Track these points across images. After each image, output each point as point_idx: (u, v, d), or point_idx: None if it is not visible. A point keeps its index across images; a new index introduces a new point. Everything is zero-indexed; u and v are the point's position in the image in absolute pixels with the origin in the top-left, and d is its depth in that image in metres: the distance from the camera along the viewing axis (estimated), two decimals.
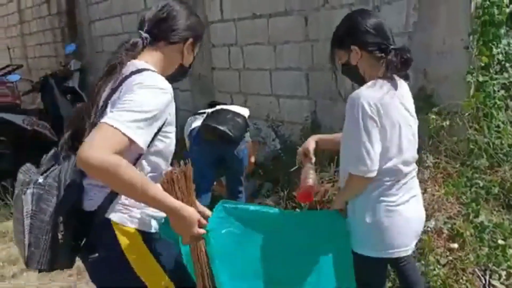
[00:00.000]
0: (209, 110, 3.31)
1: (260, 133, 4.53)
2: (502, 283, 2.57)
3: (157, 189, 1.36)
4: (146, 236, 1.48)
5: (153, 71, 1.46)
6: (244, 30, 4.84)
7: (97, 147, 1.22)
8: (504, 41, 3.44)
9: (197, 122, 3.29)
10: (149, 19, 1.55)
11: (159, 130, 1.41)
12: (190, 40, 1.58)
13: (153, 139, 1.40)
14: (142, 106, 1.31)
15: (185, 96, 5.96)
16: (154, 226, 1.53)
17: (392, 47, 1.71)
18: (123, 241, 1.43)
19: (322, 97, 4.23)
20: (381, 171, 1.70)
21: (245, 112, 3.30)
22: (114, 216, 1.44)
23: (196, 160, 3.21)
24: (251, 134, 3.61)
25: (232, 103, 5.08)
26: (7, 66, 6.69)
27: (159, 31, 1.53)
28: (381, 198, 1.74)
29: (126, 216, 1.45)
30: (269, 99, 4.74)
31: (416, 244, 2.51)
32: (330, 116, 4.14)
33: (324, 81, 4.15)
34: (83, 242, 1.48)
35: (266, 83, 4.74)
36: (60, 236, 1.40)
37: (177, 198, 1.42)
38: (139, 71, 1.41)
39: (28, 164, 1.53)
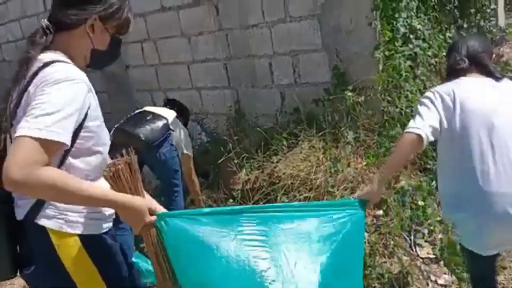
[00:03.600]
0: (133, 113, 3.22)
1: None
2: (426, 241, 2.82)
3: (96, 189, 1.32)
4: (88, 241, 1.42)
5: (63, 61, 1.36)
6: (154, 24, 4.75)
7: (22, 164, 1.16)
8: (404, 14, 3.71)
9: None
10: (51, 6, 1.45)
11: (81, 126, 1.34)
12: (93, 18, 1.42)
13: (77, 136, 1.34)
14: (56, 106, 1.24)
15: (101, 98, 5.69)
16: (102, 226, 1.47)
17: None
18: (60, 248, 1.37)
19: (244, 85, 4.30)
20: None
21: (169, 115, 3.23)
22: (48, 223, 1.36)
23: None
24: None
25: (152, 101, 5.02)
26: None
27: (55, 17, 1.41)
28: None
29: (63, 222, 1.38)
30: (190, 92, 4.72)
31: None
32: (253, 103, 4.23)
33: (244, 69, 4.23)
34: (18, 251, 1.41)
35: (185, 76, 4.71)
36: None
37: (125, 190, 1.39)
38: (45, 65, 1.32)
39: None
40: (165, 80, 4.93)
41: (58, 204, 1.36)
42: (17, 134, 1.20)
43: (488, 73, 1.93)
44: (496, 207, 1.71)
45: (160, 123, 3.08)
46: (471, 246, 1.89)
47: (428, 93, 1.96)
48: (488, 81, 1.91)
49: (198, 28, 4.39)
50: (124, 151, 1.46)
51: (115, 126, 3.09)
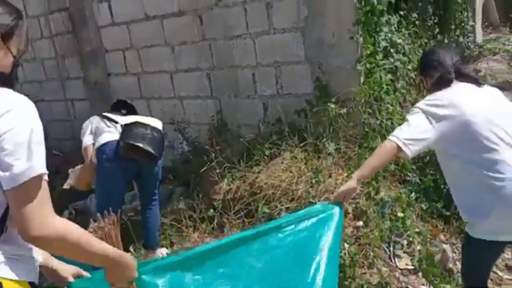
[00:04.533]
0: (122, 122, 3.14)
1: (166, 137, 4.50)
2: (405, 252, 2.87)
3: (99, 243, 1.30)
4: (33, 285, 1.27)
5: None
6: (138, 32, 4.76)
7: (41, 218, 1.12)
8: (385, 29, 3.81)
9: (109, 136, 3.12)
10: None
11: None
12: None
13: None
14: (38, 135, 1.17)
15: (82, 105, 5.70)
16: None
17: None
18: None
19: (227, 96, 4.32)
20: None
21: (159, 124, 3.25)
22: (5, 274, 1.19)
23: (108, 177, 3.07)
24: None
25: None
26: None
27: None
28: None
29: (19, 269, 1.22)
30: (173, 101, 4.72)
31: None
32: (236, 113, 4.26)
33: (227, 79, 4.26)
34: None
35: (167, 85, 4.71)
36: None
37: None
38: None
39: None
40: (147, 89, 4.93)
41: (8, 250, 1.21)
42: (24, 179, 1.11)
43: (472, 80, 2.09)
44: None
45: (159, 135, 3.13)
46: (491, 235, 1.93)
47: (421, 105, 2.02)
48: (474, 86, 2.06)
49: (182, 37, 4.41)
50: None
51: (121, 140, 3.02)
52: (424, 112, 1.97)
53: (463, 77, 2.10)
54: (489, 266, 2.16)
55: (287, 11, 3.69)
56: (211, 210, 3.25)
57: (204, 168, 3.48)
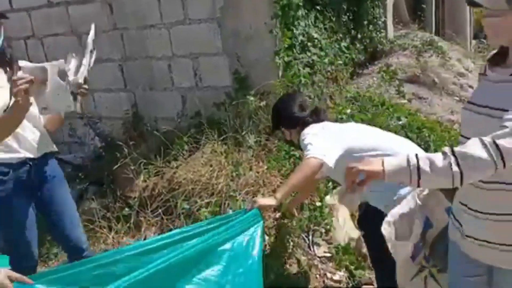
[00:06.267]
0: None
1: (75, 133, 4.33)
2: (323, 240, 3.04)
3: None
4: None
5: None
6: (40, 20, 4.51)
7: None
8: (302, 23, 3.98)
9: None
10: None
11: None
12: None
13: None
14: None
15: None
16: None
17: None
18: None
19: (141, 88, 4.25)
20: None
21: None
22: None
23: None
24: None
25: None
26: None
27: None
28: None
29: None
30: None
31: None
32: (152, 107, 4.20)
33: (141, 70, 4.18)
34: None
35: None
36: None
37: None
38: None
39: None
40: None
41: None
42: None
43: None
44: None
45: None
46: None
47: (310, 131, 2.20)
48: None
49: (90, 26, 4.25)
50: None
51: None
52: (317, 136, 2.14)
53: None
54: None
55: (202, 1, 3.71)
56: (127, 209, 3.19)
57: (118, 165, 3.40)
